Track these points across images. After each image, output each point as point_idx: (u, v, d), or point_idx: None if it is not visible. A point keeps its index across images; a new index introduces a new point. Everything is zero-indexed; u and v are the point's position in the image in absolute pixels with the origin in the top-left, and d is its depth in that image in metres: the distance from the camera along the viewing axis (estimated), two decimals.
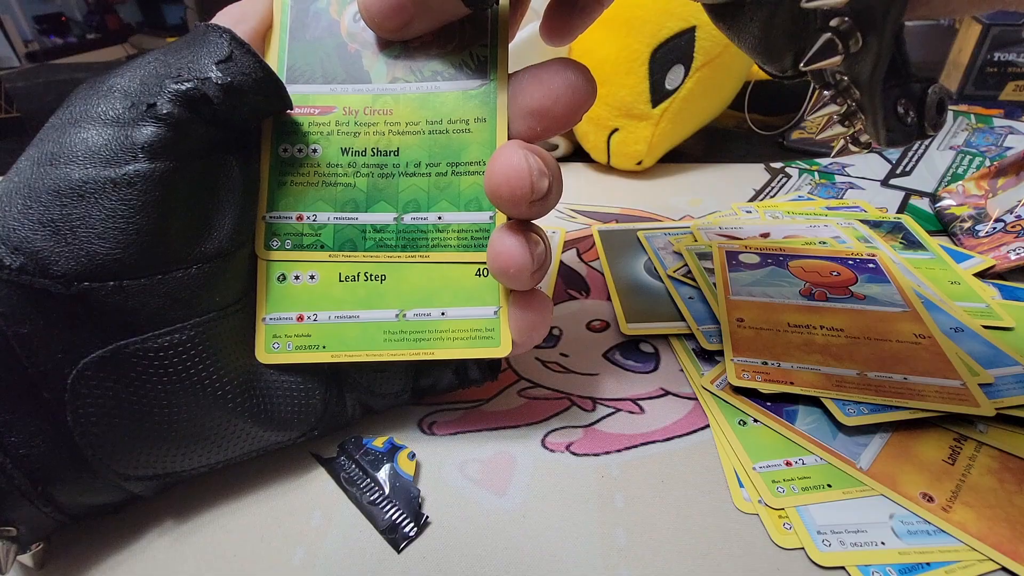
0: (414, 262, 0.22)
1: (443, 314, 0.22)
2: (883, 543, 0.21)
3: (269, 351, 0.22)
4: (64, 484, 0.20)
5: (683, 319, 0.32)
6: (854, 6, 0.16)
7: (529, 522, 0.22)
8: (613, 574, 0.20)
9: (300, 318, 0.23)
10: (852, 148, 0.20)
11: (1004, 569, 0.20)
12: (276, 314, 0.23)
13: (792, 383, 0.26)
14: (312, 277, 0.23)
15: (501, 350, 0.22)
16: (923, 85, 0.18)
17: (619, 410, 0.27)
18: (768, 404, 0.26)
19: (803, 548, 0.21)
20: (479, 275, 0.22)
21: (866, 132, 0.19)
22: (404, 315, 0.22)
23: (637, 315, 0.32)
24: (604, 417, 0.27)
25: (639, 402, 0.27)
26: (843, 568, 0.20)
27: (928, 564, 0.20)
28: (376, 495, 0.23)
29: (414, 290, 0.22)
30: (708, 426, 0.26)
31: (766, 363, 0.28)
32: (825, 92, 0.18)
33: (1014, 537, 0.20)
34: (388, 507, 0.23)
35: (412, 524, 0.22)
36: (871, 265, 0.34)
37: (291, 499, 0.24)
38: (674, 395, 0.28)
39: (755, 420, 0.26)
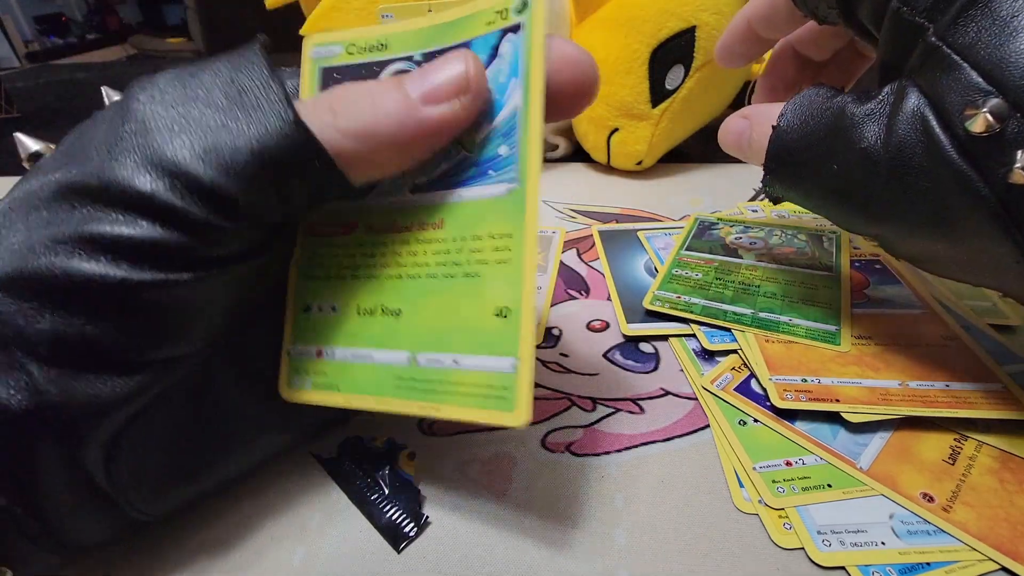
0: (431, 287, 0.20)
1: (455, 362, 0.19)
2: (883, 543, 0.21)
3: (291, 387, 0.22)
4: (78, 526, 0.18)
5: (685, 321, 0.32)
6: None
7: (529, 522, 0.22)
8: (613, 574, 0.20)
9: (319, 353, 0.22)
10: None
11: (1004, 569, 0.20)
12: (300, 346, 0.22)
13: (838, 400, 0.25)
14: (333, 308, 0.22)
15: (514, 418, 0.18)
16: None
17: (619, 410, 0.27)
18: (768, 404, 0.26)
19: (803, 548, 0.21)
20: (499, 315, 0.19)
21: None
22: (416, 360, 0.20)
23: (637, 315, 0.32)
24: (604, 417, 0.27)
25: (639, 402, 0.27)
26: (843, 568, 0.20)
27: (928, 564, 0.20)
28: (376, 495, 0.23)
29: (428, 329, 0.20)
30: (708, 426, 0.26)
31: (806, 380, 0.26)
32: None
33: (1014, 537, 0.20)
34: (388, 507, 0.23)
35: (412, 524, 0.22)
36: (878, 266, 0.34)
37: (291, 499, 0.24)
38: (674, 395, 0.28)
39: (755, 420, 0.26)
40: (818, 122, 0.22)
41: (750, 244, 0.37)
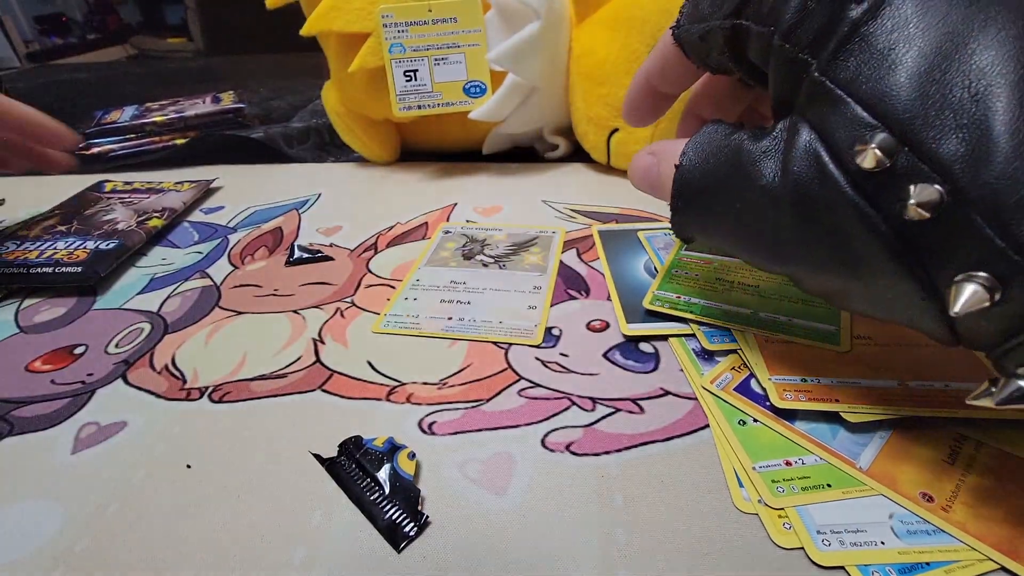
0: None
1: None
2: (883, 543, 0.21)
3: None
4: None
5: (685, 321, 0.32)
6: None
7: (529, 522, 0.22)
8: (613, 574, 0.20)
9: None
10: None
11: (1004, 569, 0.20)
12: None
13: (838, 400, 0.25)
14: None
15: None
16: None
17: (619, 410, 0.27)
18: (768, 404, 0.26)
19: (803, 548, 0.21)
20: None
21: None
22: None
23: (637, 315, 0.32)
24: (604, 417, 0.27)
25: (639, 402, 0.27)
26: (843, 568, 0.20)
27: (928, 564, 0.20)
28: (376, 495, 0.23)
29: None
30: (708, 426, 0.26)
31: (805, 380, 0.26)
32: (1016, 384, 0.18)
33: (1014, 537, 0.20)
34: (388, 507, 0.23)
35: (412, 524, 0.22)
36: None
37: (291, 499, 0.24)
38: (674, 395, 0.28)
39: (755, 420, 0.26)
40: (718, 160, 0.22)
41: None
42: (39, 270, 0.39)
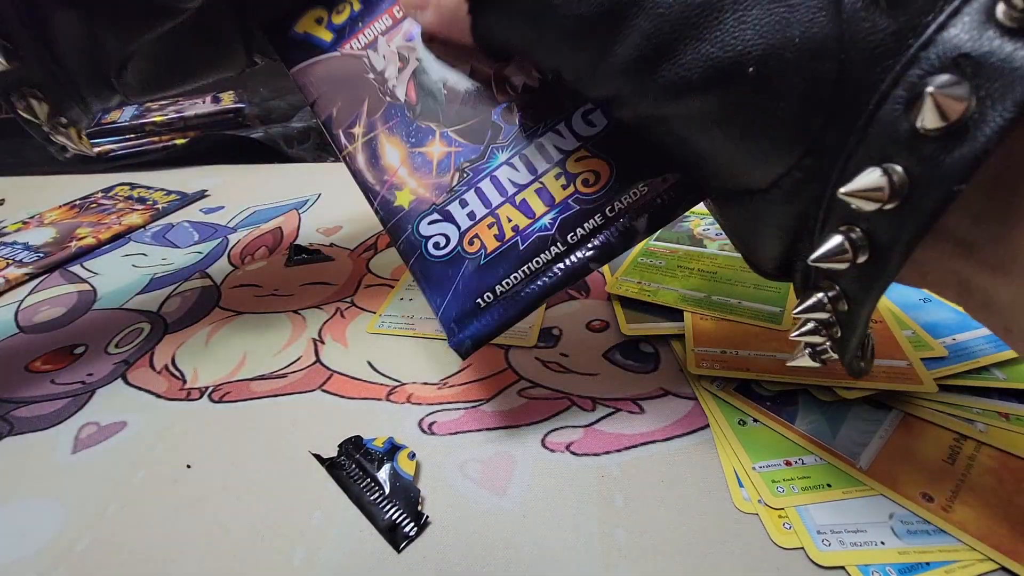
0: None
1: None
2: (883, 543, 0.21)
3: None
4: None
5: (683, 320, 0.32)
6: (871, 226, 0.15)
7: (529, 522, 0.22)
8: (613, 574, 0.20)
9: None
10: (810, 361, 0.20)
11: (1004, 569, 0.20)
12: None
13: (748, 369, 0.28)
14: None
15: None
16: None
17: (619, 410, 0.27)
18: (768, 404, 0.26)
19: (803, 548, 0.21)
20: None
21: (835, 351, 0.19)
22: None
23: (637, 316, 0.32)
24: (604, 417, 0.27)
25: (639, 402, 0.27)
26: (843, 568, 0.20)
27: (928, 564, 0.20)
28: (376, 495, 0.23)
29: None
30: (708, 426, 0.26)
31: (724, 352, 0.29)
32: (816, 295, 0.18)
33: (1014, 537, 0.20)
34: (388, 507, 0.23)
35: (412, 524, 0.22)
36: None
37: (291, 499, 0.24)
38: (674, 395, 0.28)
39: (755, 420, 0.26)
40: None
41: (716, 235, 0.39)
42: None
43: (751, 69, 0.15)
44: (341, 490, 0.24)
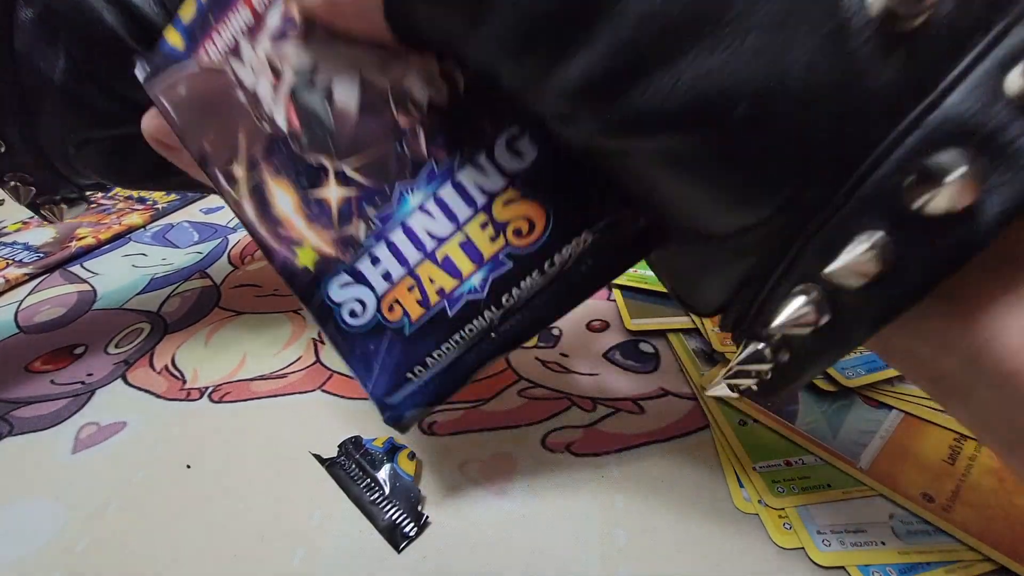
0: None
1: None
2: (883, 543, 0.21)
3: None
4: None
5: (687, 314, 0.32)
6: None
7: (529, 522, 0.22)
8: (613, 574, 0.20)
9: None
10: (728, 392, 0.18)
11: (1004, 569, 0.20)
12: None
13: None
14: None
15: None
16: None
17: (619, 410, 0.27)
18: (768, 404, 0.26)
19: (803, 548, 0.21)
20: None
21: (757, 388, 0.17)
22: None
23: (641, 311, 0.33)
24: (604, 417, 0.27)
25: (639, 402, 0.27)
26: (843, 568, 0.20)
27: (928, 564, 0.20)
28: (376, 495, 0.23)
29: None
30: (708, 426, 0.26)
31: None
32: (757, 345, 0.16)
33: (1014, 537, 0.20)
34: (388, 507, 0.23)
35: (412, 524, 0.22)
36: None
37: (291, 499, 0.24)
38: (674, 395, 0.28)
39: (755, 420, 0.26)
40: None
41: None
42: None
43: (740, 108, 0.12)
44: (341, 490, 0.24)
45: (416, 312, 0.19)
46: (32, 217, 0.51)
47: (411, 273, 0.19)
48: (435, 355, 0.20)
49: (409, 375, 0.20)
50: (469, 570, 0.21)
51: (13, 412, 0.29)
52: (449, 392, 0.20)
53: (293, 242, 0.20)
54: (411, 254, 0.19)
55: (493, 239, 0.19)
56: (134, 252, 0.45)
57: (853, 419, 0.25)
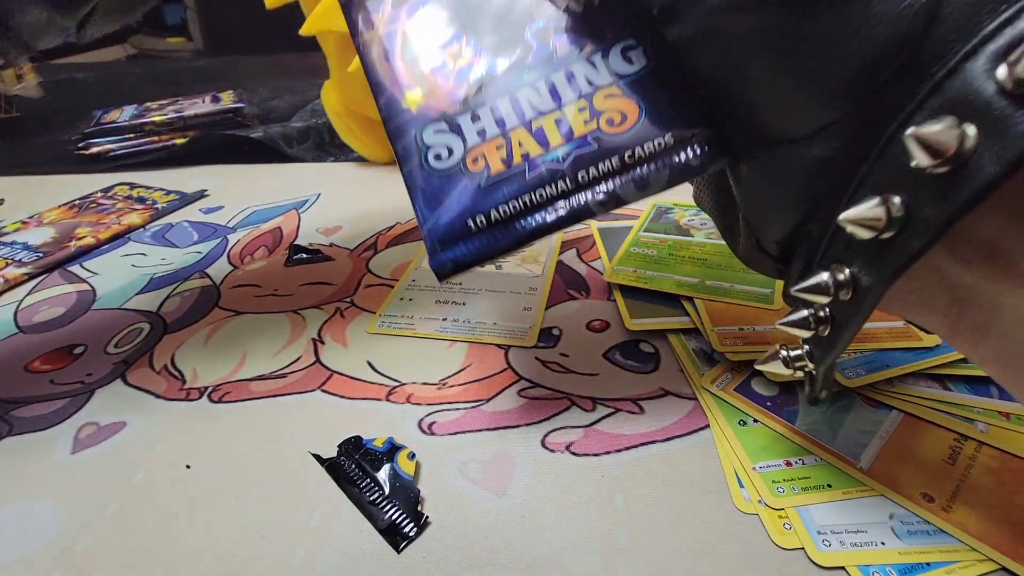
0: None
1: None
2: (883, 543, 0.21)
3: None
4: None
5: (687, 314, 0.32)
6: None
7: (529, 522, 0.22)
8: (613, 574, 0.20)
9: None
10: (781, 368, 0.20)
11: (1004, 569, 0.20)
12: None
13: (769, 343, 0.29)
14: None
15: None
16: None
17: (619, 410, 0.27)
18: (768, 404, 0.26)
19: (803, 548, 0.21)
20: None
21: (814, 358, 0.19)
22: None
23: (641, 311, 0.33)
24: (604, 417, 0.27)
25: (639, 402, 0.27)
26: (843, 568, 0.20)
27: (928, 564, 0.20)
28: (376, 495, 0.23)
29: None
30: (708, 426, 0.26)
31: (743, 328, 0.30)
32: (823, 275, 0.17)
33: (1014, 537, 0.20)
34: (388, 507, 0.23)
35: (412, 524, 0.22)
36: None
37: (291, 499, 0.24)
38: (674, 395, 0.28)
39: (755, 420, 0.26)
40: None
41: (701, 224, 0.41)
42: None
43: None
44: (341, 490, 0.24)
45: (497, 168, 0.22)
46: (32, 217, 0.51)
47: (504, 134, 0.22)
48: (500, 210, 0.22)
49: (470, 223, 0.22)
50: (469, 570, 0.21)
51: (13, 412, 0.29)
52: (499, 252, 0.22)
53: (405, 86, 0.23)
54: (510, 119, 0.22)
55: (587, 122, 0.22)
56: (133, 252, 0.44)
57: (853, 419, 0.25)
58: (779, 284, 0.33)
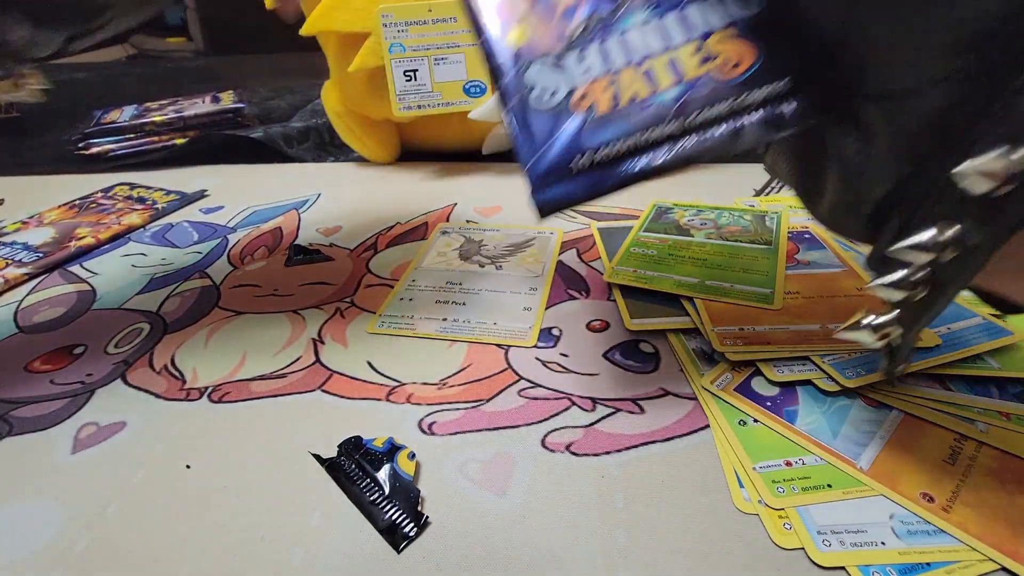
0: None
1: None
2: (883, 543, 0.21)
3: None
4: None
5: (687, 314, 0.32)
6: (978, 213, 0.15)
7: (529, 522, 0.22)
8: (613, 574, 0.20)
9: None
10: (867, 337, 0.20)
11: (1004, 569, 0.20)
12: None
13: (769, 343, 0.29)
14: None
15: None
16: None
17: (619, 410, 0.27)
18: (768, 404, 0.26)
19: (803, 548, 0.21)
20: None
21: (904, 322, 0.18)
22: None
23: (641, 311, 0.33)
24: (604, 417, 0.27)
25: (639, 402, 0.27)
26: (843, 568, 0.20)
27: (928, 564, 0.20)
28: (376, 495, 0.23)
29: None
30: (708, 426, 0.26)
31: (742, 329, 0.30)
32: (930, 231, 0.17)
33: (1014, 537, 0.20)
34: (388, 507, 0.23)
35: (412, 524, 0.22)
36: (807, 235, 0.39)
37: (291, 499, 0.24)
38: (674, 395, 0.28)
39: (755, 420, 0.26)
40: None
41: (701, 224, 0.41)
42: None
43: None
44: (341, 490, 0.24)
45: (604, 107, 0.21)
46: (32, 217, 0.51)
47: (612, 74, 0.21)
48: (605, 149, 0.21)
49: (574, 163, 0.21)
50: (469, 570, 0.21)
51: (13, 412, 0.29)
52: (598, 193, 0.21)
53: (508, 24, 0.23)
54: (618, 59, 0.22)
55: (699, 65, 0.21)
56: (134, 252, 0.44)
57: (853, 419, 0.25)
58: (780, 284, 0.33)
